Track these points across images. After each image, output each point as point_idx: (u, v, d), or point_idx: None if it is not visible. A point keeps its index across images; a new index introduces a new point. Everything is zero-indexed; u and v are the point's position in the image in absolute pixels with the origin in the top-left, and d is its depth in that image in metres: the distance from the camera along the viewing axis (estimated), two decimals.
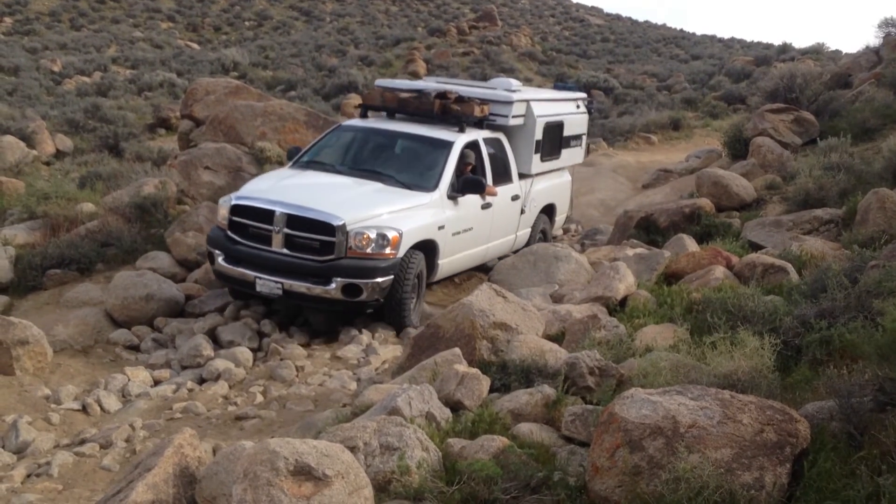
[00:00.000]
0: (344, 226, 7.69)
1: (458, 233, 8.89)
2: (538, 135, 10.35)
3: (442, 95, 9.67)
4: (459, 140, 9.24)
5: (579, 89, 12.61)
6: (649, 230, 10.20)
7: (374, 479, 3.63)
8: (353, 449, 3.70)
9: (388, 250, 7.82)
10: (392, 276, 7.86)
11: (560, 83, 13.26)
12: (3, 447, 5.84)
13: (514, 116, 10.03)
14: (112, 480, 5.18)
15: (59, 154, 17.89)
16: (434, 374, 5.20)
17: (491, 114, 9.87)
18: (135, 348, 7.96)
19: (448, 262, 8.88)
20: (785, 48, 32.19)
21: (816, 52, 29.36)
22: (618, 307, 6.75)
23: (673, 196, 13.11)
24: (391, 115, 10.19)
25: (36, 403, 6.60)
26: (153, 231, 10.26)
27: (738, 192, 10.40)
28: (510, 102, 9.96)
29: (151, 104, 24.22)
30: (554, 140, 10.86)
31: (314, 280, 7.72)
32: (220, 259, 8.11)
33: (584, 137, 12.05)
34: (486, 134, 9.85)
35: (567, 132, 11.20)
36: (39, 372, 7.15)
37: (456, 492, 3.54)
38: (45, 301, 8.86)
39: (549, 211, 11.29)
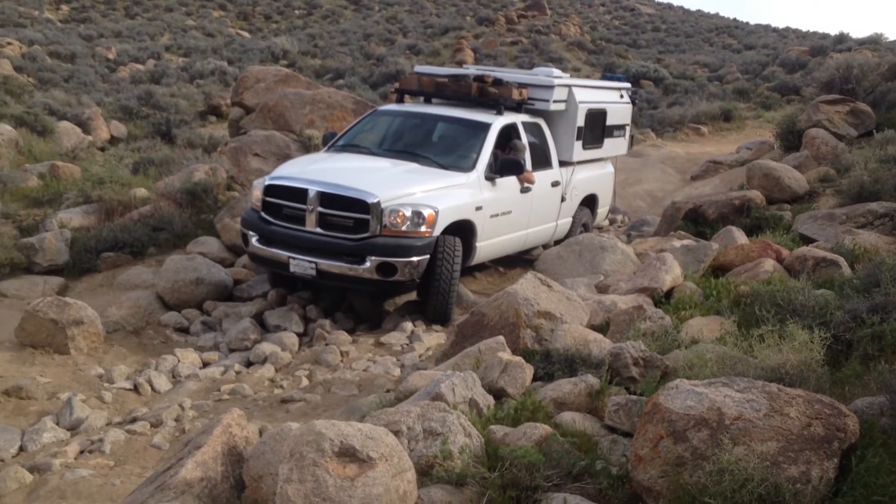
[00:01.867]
0: (378, 203, 7.58)
1: (497, 215, 8.74)
2: (580, 121, 10.17)
3: (480, 79, 9.60)
4: (497, 122, 9.13)
5: (628, 80, 12.44)
6: (697, 222, 10.07)
7: (417, 463, 3.66)
8: (396, 433, 3.74)
9: (423, 228, 7.71)
10: (427, 256, 7.75)
11: (609, 73, 13.02)
12: (57, 424, 6.02)
13: (555, 101, 9.86)
14: (162, 458, 5.31)
15: (114, 140, 18.29)
16: (477, 361, 5.23)
17: (530, 98, 9.74)
18: (184, 331, 8.13)
19: (486, 246, 8.74)
20: (841, 38, 31.39)
21: (874, 42, 28.57)
22: (663, 299, 6.69)
23: (722, 188, 12.91)
24: (427, 100, 10.16)
25: (89, 382, 6.78)
26: (203, 216, 10.45)
27: (789, 184, 10.21)
28: (551, 87, 9.81)
29: (203, 92, 24.58)
30: (596, 128, 10.66)
31: (348, 259, 7.63)
32: (253, 240, 8.09)
33: (629, 128, 11.87)
34: (525, 118, 9.70)
35: (610, 121, 10.99)
36: (93, 352, 7.35)
37: (497, 477, 3.55)
38: (99, 283, 9.08)
39: (590, 202, 11.08)
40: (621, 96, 11.47)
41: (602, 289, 7.62)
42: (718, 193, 11.42)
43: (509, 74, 10.22)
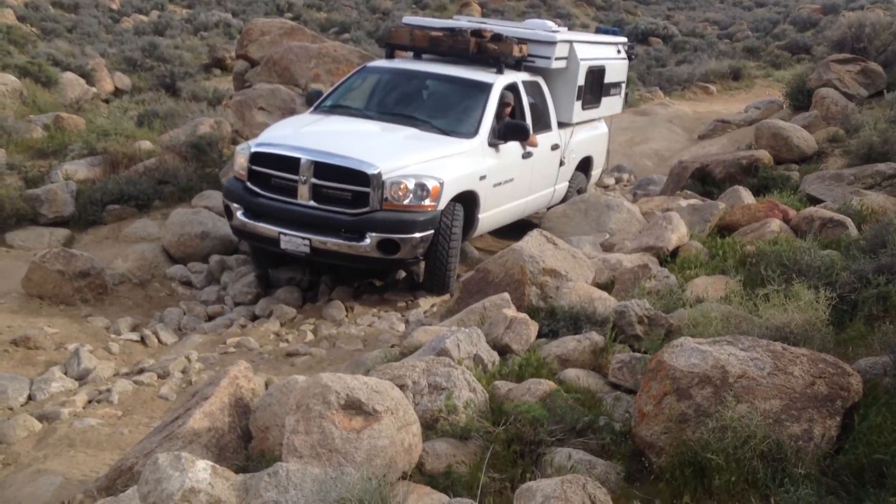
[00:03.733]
0: (379, 175, 6.98)
1: (500, 183, 8.21)
2: (580, 80, 9.56)
3: (477, 33, 8.86)
4: (499, 82, 8.50)
5: (621, 34, 11.80)
6: (704, 181, 10.02)
7: (422, 416, 3.70)
8: (401, 387, 3.77)
9: (427, 202, 7.13)
10: (432, 231, 7.21)
11: (602, 27, 12.23)
12: (65, 373, 6.08)
13: (557, 59, 9.22)
14: (169, 409, 5.37)
15: (118, 92, 18.16)
16: (482, 317, 5.25)
17: (530, 55, 9.05)
18: (190, 283, 8.16)
19: (488, 217, 8.22)
20: None
21: (887, 0, 28.13)
22: (669, 258, 6.69)
23: (730, 147, 12.83)
24: (418, 56, 9.42)
25: (96, 333, 6.83)
26: (208, 170, 10.42)
27: (798, 144, 10.14)
28: (553, 43, 9.14)
29: (207, 44, 24.31)
30: (595, 87, 10.08)
31: (346, 235, 7.04)
32: (239, 213, 7.37)
33: (624, 86, 11.28)
34: (526, 77, 9.07)
35: (608, 79, 10.40)
36: (99, 303, 7.39)
37: (502, 432, 3.59)
38: (105, 235, 9.10)
39: (585, 165, 10.49)
40: (618, 52, 10.88)
41: (607, 247, 7.61)
42: (726, 153, 11.35)
43: (505, 28, 9.58)
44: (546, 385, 4.02)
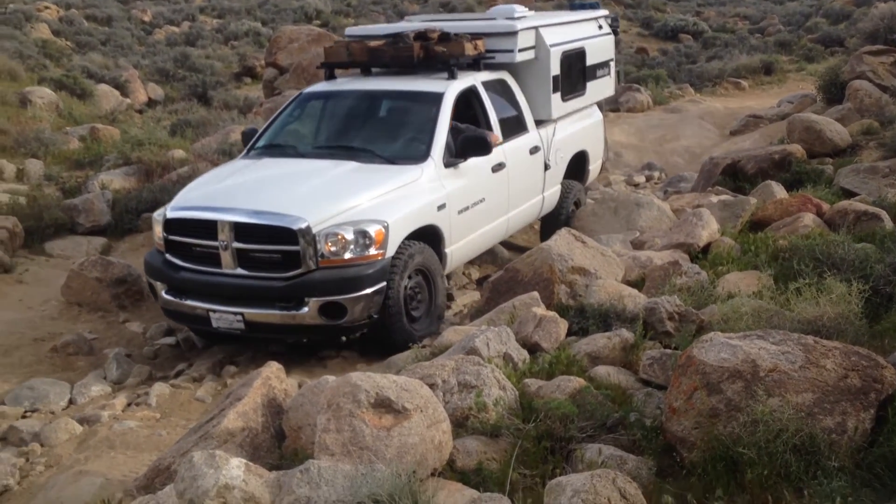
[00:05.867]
0: (308, 228, 5.91)
1: (467, 208, 7.06)
2: (555, 69, 8.34)
3: (422, 36, 7.70)
4: (451, 89, 7.33)
5: (599, 6, 10.39)
6: (736, 177, 9.92)
7: (452, 414, 3.73)
8: (431, 386, 3.80)
9: (372, 251, 6.03)
10: (384, 283, 6.09)
11: (577, 2, 10.64)
12: (104, 378, 6.21)
13: (520, 50, 8.03)
14: (205, 410, 5.45)
15: (151, 102, 18.47)
16: (512, 316, 5.27)
17: (489, 50, 7.91)
18: None
19: (459, 248, 7.10)
20: None
21: None
22: (700, 254, 6.64)
23: (762, 143, 12.69)
24: (366, 72, 8.24)
25: (133, 338, 6.97)
26: None
27: (831, 137, 10.00)
28: (513, 33, 7.93)
29: (237, 53, 24.64)
30: (576, 73, 8.88)
31: (282, 305, 6.03)
32: (163, 292, 6.43)
33: (613, 64, 10.02)
34: (486, 76, 7.88)
35: (591, 60, 9.16)
36: (136, 309, 7.53)
37: (532, 429, 3.60)
38: (141, 243, 9.25)
39: (579, 161, 9.23)
40: (599, 27, 9.65)
41: (637, 245, 7.58)
42: (758, 148, 11.22)
43: (460, 23, 8.47)
44: (576, 382, 4.03)
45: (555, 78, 8.39)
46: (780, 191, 8.23)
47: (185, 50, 23.60)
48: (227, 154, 10.62)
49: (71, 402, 5.91)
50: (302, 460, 3.33)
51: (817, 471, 3.00)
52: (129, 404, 5.77)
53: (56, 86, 15.40)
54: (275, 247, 6.04)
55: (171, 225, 6.38)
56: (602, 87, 9.69)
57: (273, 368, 4.23)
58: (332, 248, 5.94)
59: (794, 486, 2.99)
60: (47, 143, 11.87)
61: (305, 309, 5.96)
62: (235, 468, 2.89)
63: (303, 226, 5.91)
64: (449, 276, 7.94)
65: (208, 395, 5.87)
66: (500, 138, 7.62)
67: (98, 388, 6.02)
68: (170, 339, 6.94)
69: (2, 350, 6.61)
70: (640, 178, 12.90)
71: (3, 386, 6.02)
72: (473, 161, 7.12)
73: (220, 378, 6.17)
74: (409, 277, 6.35)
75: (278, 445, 3.87)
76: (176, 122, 14.15)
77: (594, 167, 9.85)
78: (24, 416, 5.65)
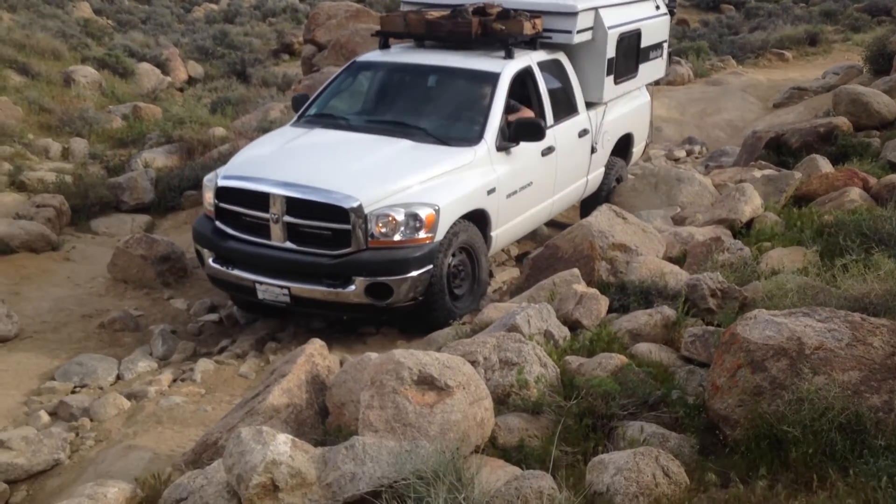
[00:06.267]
0: (360, 207, 5.88)
1: (515, 192, 7.01)
2: (610, 52, 8.20)
3: (481, 11, 7.58)
4: (507, 69, 7.20)
5: None
6: (779, 151, 9.76)
7: (494, 392, 3.75)
8: (473, 363, 3.82)
9: (422, 234, 6.02)
10: (430, 266, 6.07)
11: None
12: (150, 354, 6.34)
13: (579, 31, 7.83)
14: (249, 386, 5.55)
15: (191, 80, 18.60)
16: (552, 293, 5.26)
17: (546, 30, 7.71)
18: None
19: (504, 232, 7.07)
20: None
21: None
22: (743, 230, 6.57)
23: (806, 115, 12.44)
24: (420, 43, 8.05)
25: (177, 315, 7.09)
26: None
27: (879, 109, 9.77)
28: (573, 13, 7.74)
29: (275, 30, 24.68)
30: (630, 55, 8.69)
31: (329, 282, 6.01)
32: (210, 260, 6.42)
33: (666, 45, 9.75)
34: (542, 56, 7.72)
35: (646, 42, 8.96)
36: (180, 286, 7.65)
37: (573, 406, 3.61)
38: (183, 220, 9.38)
39: (624, 143, 9.15)
40: (657, 7, 9.42)
41: (678, 221, 7.51)
42: (802, 121, 11.01)
43: (518, 0, 8.08)
44: (617, 359, 4.02)
45: (610, 61, 8.25)
46: (825, 165, 8.09)
47: (224, 27, 23.72)
48: (266, 131, 10.68)
49: (118, 377, 6.04)
50: (346, 436, 3.38)
51: (863, 449, 2.97)
52: (174, 380, 5.89)
53: (98, 65, 15.58)
54: (326, 224, 6.01)
55: (222, 193, 6.36)
56: (654, 70, 9.55)
57: (316, 345, 4.28)
58: (383, 230, 5.95)
59: (840, 464, 2.96)
60: (91, 121, 12.07)
61: (352, 287, 5.96)
62: (282, 444, 2.94)
63: (355, 205, 5.89)
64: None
65: (251, 371, 5.97)
66: (530, 111, 7.51)
67: (144, 364, 6.15)
68: (213, 316, 7.05)
69: (51, 326, 6.77)
70: (681, 153, 12.74)
71: (54, 361, 6.17)
72: (525, 145, 7.03)
73: (262, 354, 6.27)
74: (453, 255, 6.34)
75: (322, 422, 3.93)
76: (216, 100, 14.27)
77: (637, 149, 9.74)
78: (73, 392, 5.80)
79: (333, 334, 6.47)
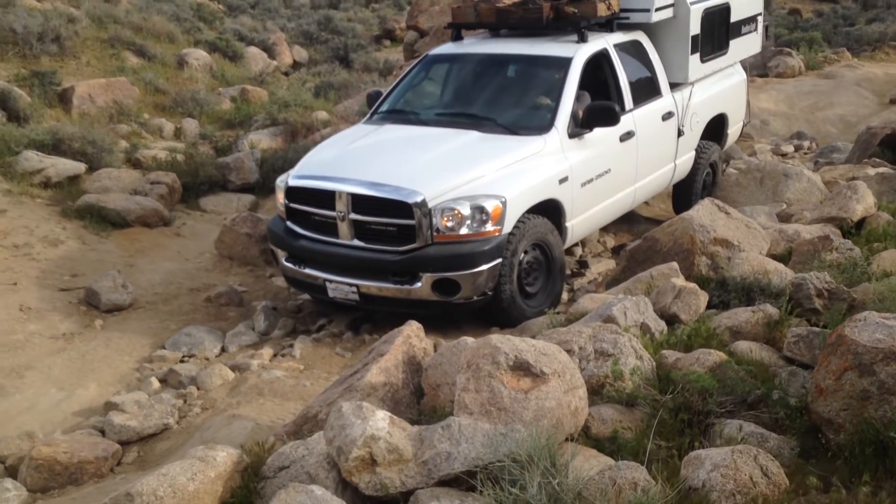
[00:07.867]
0: (423, 202, 5.83)
1: (590, 181, 6.80)
2: (694, 28, 7.86)
3: None
4: (579, 54, 7.00)
5: None
6: (895, 149, 9.34)
7: (588, 381, 3.75)
8: (568, 352, 3.82)
9: (488, 227, 5.90)
10: (499, 260, 5.97)
11: None
12: (253, 329, 6.59)
13: (658, 9, 7.60)
14: (345, 365, 5.71)
15: (296, 65, 19.04)
16: (649, 286, 5.20)
17: (623, 9, 7.52)
18: None
19: (581, 223, 6.87)
20: None
21: None
22: (853, 229, 6.33)
23: None
24: (495, 33, 7.91)
25: (278, 292, 7.33)
26: None
27: None
28: None
29: (378, 16, 25.02)
30: (718, 31, 8.29)
31: (396, 279, 5.98)
32: (283, 260, 6.54)
33: (761, 18, 9.24)
34: (619, 38, 7.49)
35: (736, 16, 8.55)
36: None
37: (669, 400, 3.57)
38: None
39: (717, 124, 8.74)
40: None
41: (784, 218, 7.29)
42: None
43: None
44: (716, 356, 3.95)
45: (694, 38, 7.92)
46: None
47: (328, 13, 24.17)
48: (365, 115, 10.89)
49: (223, 349, 6.32)
50: (440, 417, 3.45)
51: None
52: (275, 355, 6.11)
53: (210, 48, 16.12)
54: (390, 220, 5.98)
55: (292, 193, 6.43)
56: (747, 45, 9.06)
57: (413, 327, 4.37)
58: (448, 224, 5.86)
59: None
60: (202, 103, 12.53)
61: (419, 284, 5.92)
62: (381, 420, 3.03)
63: (418, 199, 5.83)
64: (584, 243, 7.93)
65: (347, 350, 6.13)
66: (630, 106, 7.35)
67: (247, 338, 6.41)
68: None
69: (162, 298, 7.11)
70: (789, 148, 12.31)
71: (164, 331, 6.50)
72: (600, 131, 6.82)
73: (358, 335, 6.42)
74: (526, 252, 6.22)
75: (417, 402, 4.01)
76: (319, 85, 14.60)
77: (733, 131, 9.30)
78: (181, 361, 6.10)
79: (428, 318, 6.57)
